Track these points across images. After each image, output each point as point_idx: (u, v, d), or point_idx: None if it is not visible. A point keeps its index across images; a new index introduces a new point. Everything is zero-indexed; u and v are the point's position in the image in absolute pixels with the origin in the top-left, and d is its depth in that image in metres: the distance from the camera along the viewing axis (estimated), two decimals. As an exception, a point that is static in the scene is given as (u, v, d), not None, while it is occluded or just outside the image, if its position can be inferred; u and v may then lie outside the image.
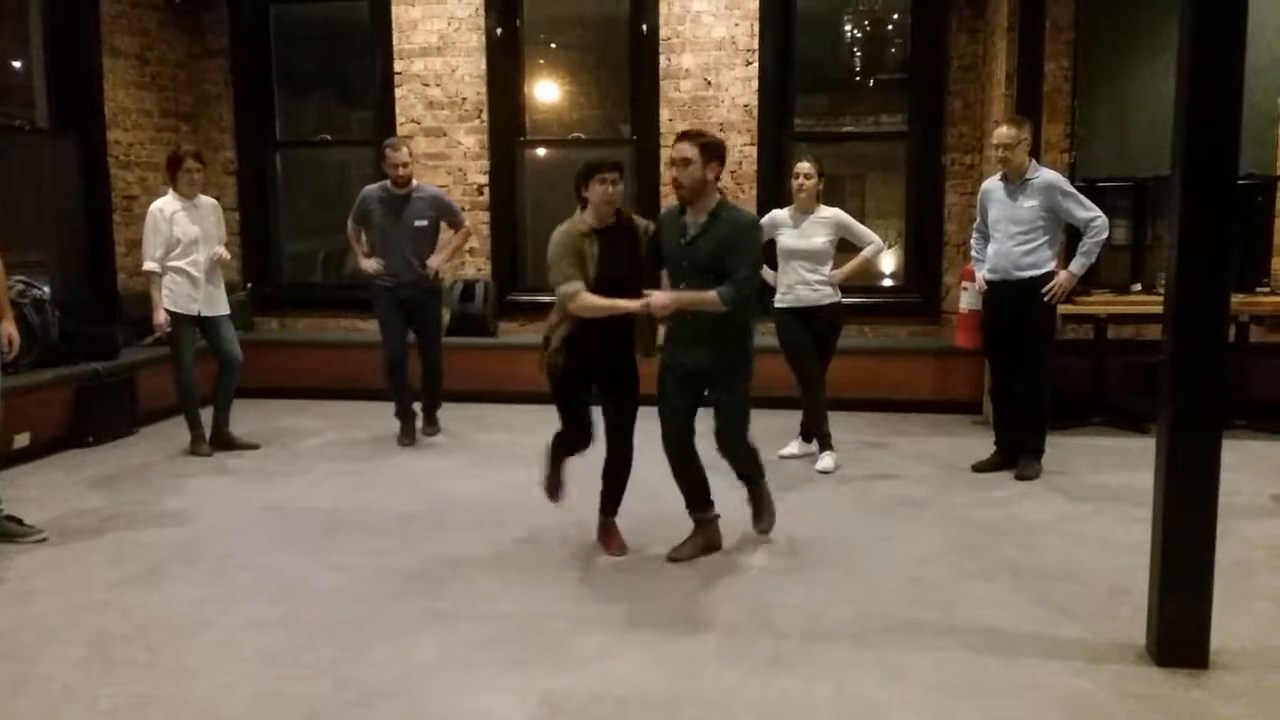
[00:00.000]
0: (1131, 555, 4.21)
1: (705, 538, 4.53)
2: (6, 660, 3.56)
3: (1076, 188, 5.76)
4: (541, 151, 8.68)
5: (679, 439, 4.40)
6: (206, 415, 6.52)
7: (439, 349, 6.71)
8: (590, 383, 4.46)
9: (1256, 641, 3.61)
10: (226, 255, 6.46)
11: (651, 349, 4.50)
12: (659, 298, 4.17)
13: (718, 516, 4.58)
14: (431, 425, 6.85)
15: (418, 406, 6.79)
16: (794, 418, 6.35)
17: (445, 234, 6.71)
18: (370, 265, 6.49)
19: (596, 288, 4.22)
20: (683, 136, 4.27)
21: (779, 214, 6.09)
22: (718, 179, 4.25)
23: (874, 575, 4.32)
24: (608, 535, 4.62)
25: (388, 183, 6.43)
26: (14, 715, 3.18)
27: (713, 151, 4.21)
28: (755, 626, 3.80)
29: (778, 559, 4.53)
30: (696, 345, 4.32)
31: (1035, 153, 5.86)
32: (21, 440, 6.17)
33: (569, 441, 4.58)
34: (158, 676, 3.43)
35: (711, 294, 4.13)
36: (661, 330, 4.51)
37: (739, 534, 4.71)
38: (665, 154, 7.99)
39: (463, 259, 7.91)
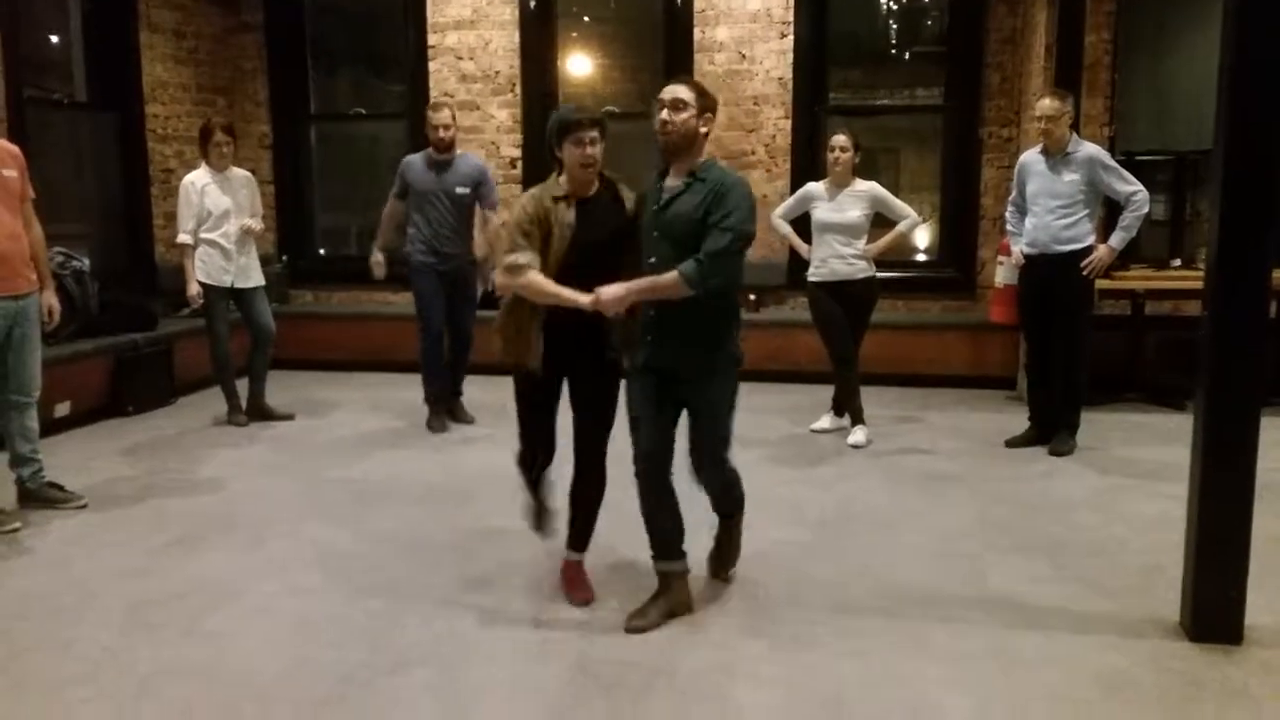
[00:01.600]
0: (1166, 531, 4.17)
1: (673, 597, 3.65)
2: (48, 622, 3.63)
3: (1116, 162, 5.69)
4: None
5: (652, 467, 3.57)
6: (243, 386, 6.59)
7: (472, 323, 6.47)
8: (558, 385, 3.72)
9: (1292, 619, 3.58)
10: (257, 226, 6.48)
11: (634, 345, 3.65)
12: (608, 291, 3.33)
13: (688, 571, 3.72)
14: (460, 409, 6.58)
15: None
16: (826, 392, 6.34)
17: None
18: (377, 264, 6.40)
19: (569, 266, 3.49)
20: (675, 79, 3.56)
21: (814, 187, 6.06)
22: (707, 136, 3.54)
23: (904, 549, 4.31)
24: (572, 578, 3.85)
25: (429, 149, 6.29)
26: (56, 676, 3.25)
27: (709, 102, 3.53)
28: (783, 598, 3.81)
29: (807, 532, 4.53)
30: (665, 339, 3.51)
31: (1075, 126, 5.78)
32: (62, 409, 6.27)
33: (531, 456, 3.85)
34: (195, 641, 3.49)
35: (669, 275, 3.33)
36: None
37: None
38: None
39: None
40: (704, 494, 3.79)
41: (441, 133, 6.21)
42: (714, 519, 3.91)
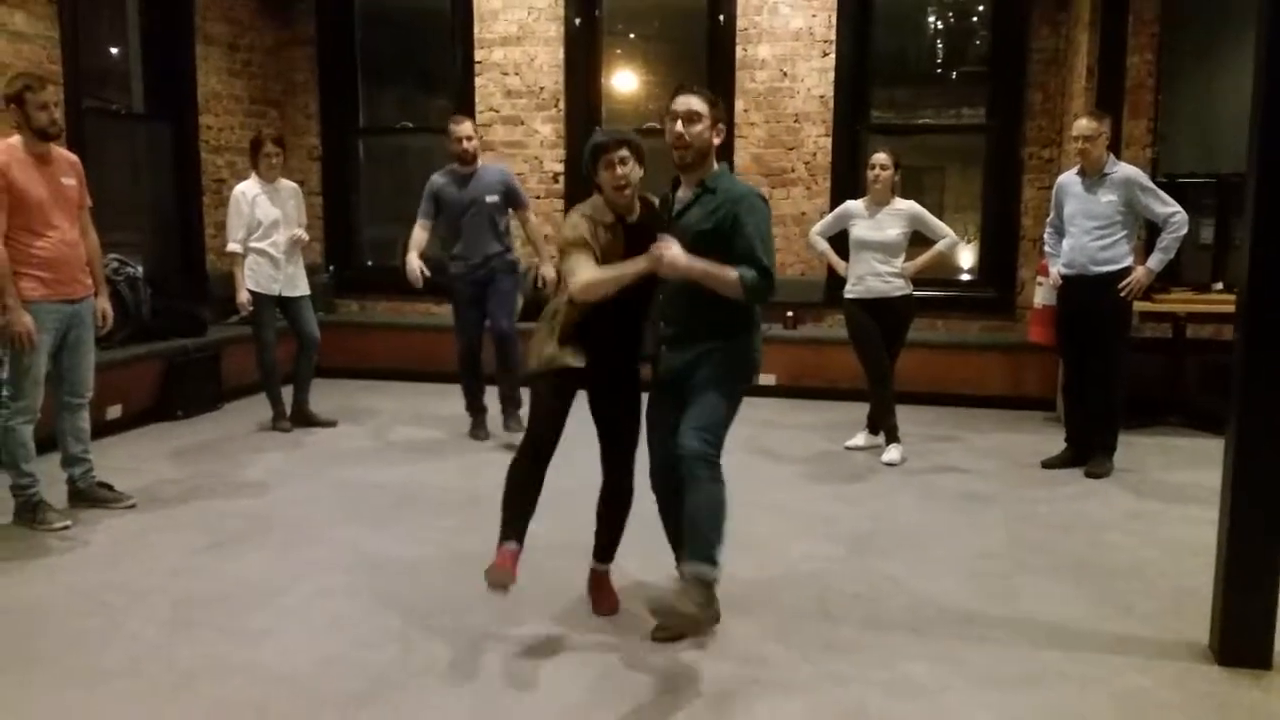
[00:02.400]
0: (1200, 555, 4.14)
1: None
2: (95, 618, 3.75)
3: (1159, 184, 5.69)
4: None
5: (666, 484, 3.58)
6: (287, 393, 6.73)
7: (511, 319, 6.38)
8: (576, 391, 3.64)
9: (1324, 646, 3.56)
10: (305, 236, 6.65)
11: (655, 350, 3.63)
12: (674, 252, 3.24)
13: (715, 580, 3.39)
14: (513, 419, 6.43)
15: (492, 398, 6.56)
16: (861, 409, 6.35)
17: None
18: (413, 265, 6.18)
19: (623, 296, 3.42)
20: (686, 90, 3.46)
21: (853, 205, 6.11)
22: (719, 146, 3.51)
23: (935, 567, 4.32)
24: (597, 588, 3.90)
25: (454, 165, 6.31)
26: (101, 668, 3.36)
27: (720, 113, 3.48)
28: (812, 611, 3.85)
29: (839, 547, 4.55)
30: (688, 345, 3.46)
31: (1116, 148, 5.78)
32: (114, 412, 6.44)
33: (536, 447, 3.64)
34: (235, 639, 3.59)
35: (732, 273, 3.27)
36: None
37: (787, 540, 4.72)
38: (739, 145, 8.04)
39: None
40: (667, 522, 3.68)
41: (465, 144, 6.20)
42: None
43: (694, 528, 3.30)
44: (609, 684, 3.29)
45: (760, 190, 3.54)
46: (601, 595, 3.88)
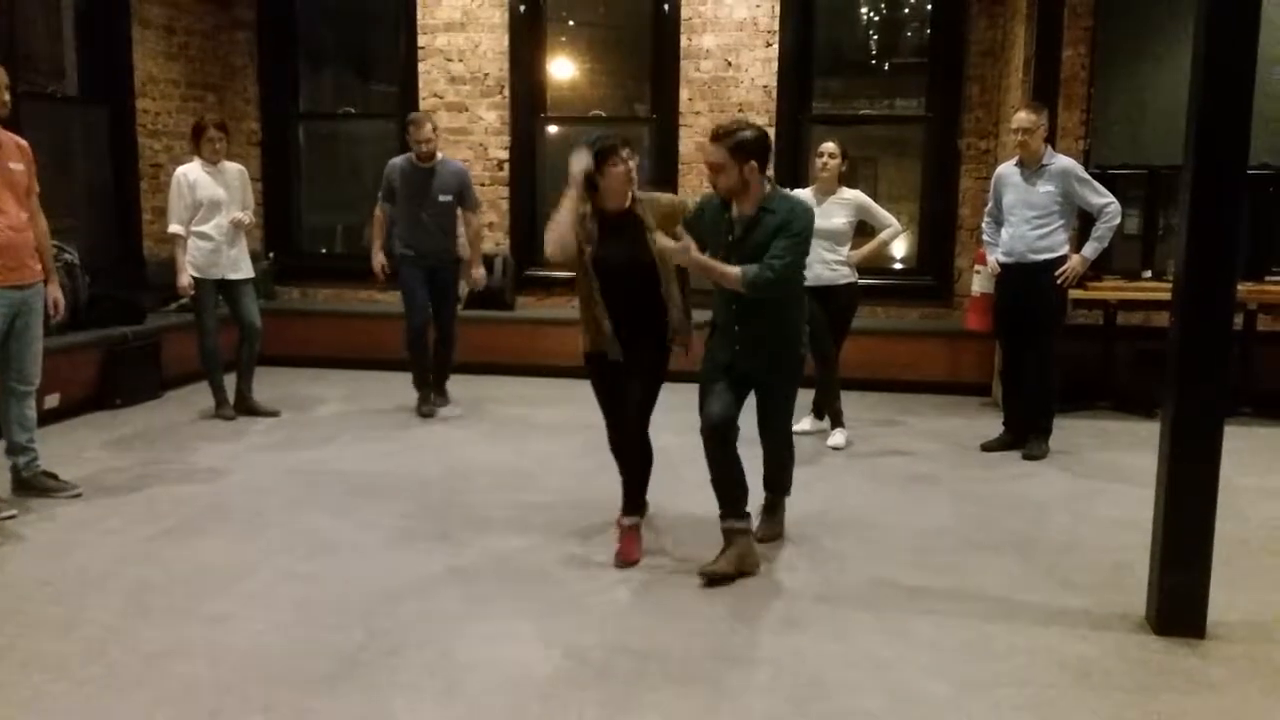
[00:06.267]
0: (1135, 532, 4.32)
1: (739, 551, 4.04)
2: (53, 605, 3.71)
3: (1091, 175, 5.88)
4: (555, 129, 8.74)
5: (722, 433, 4.01)
6: (230, 380, 6.65)
7: (454, 319, 6.81)
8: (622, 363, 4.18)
9: (1253, 615, 3.74)
10: (245, 219, 6.54)
11: (686, 331, 4.22)
12: (671, 245, 3.92)
13: (750, 530, 4.18)
14: (441, 396, 6.91)
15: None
16: (806, 395, 6.45)
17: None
18: (377, 262, 6.70)
19: (597, 275, 4.10)
20: (713, 136, 3.94)
21: (801, 194, 6.19)
22: (763, 171, 3.95)
23: (883, 545, 4.45)
24: (624, 539, 4.23)
25: (412, 155, 6.51)
26: (63, 655, 3.33)
27: (748, 150, 3.87)
28: (768, 589, 3.95)
29: (789, 528, 4.65)
30: (754, 348, 4.06)
31: (1051, 139, 5.95)
32: (52, 401, 6.30)
33: (611, 424, 4.30)
34: (197, 623, 3.58)
35: (735, 271, 3.84)
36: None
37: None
38: (684, 134, 8.12)
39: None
40: (765, 467, 4.42)
41: (424, 146, 6.47)
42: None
43: (780, 476, 4.50)
44: (574, 662, 3.34)
45: (807, 204, 4.13)
46: (627, 547, 4.20)
